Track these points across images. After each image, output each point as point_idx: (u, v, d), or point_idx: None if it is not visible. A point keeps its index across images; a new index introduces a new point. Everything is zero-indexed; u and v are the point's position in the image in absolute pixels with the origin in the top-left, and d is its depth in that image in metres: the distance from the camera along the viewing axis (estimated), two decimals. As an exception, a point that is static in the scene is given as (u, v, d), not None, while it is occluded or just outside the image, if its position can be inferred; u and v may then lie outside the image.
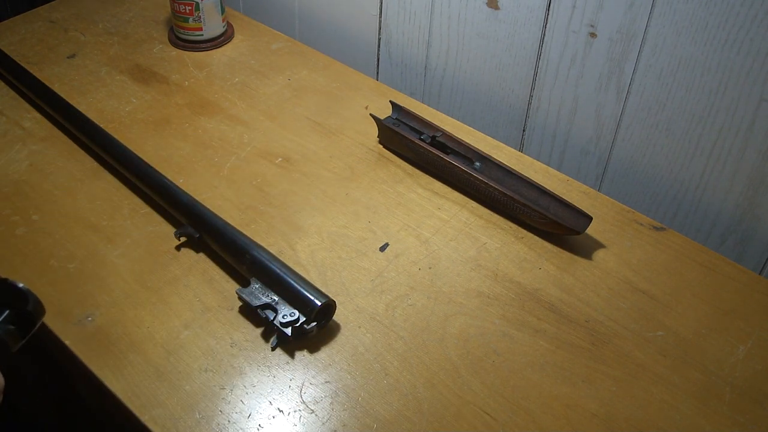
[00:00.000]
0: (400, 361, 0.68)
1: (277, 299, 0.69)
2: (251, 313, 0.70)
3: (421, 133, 0.89)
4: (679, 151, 0.88)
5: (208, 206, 0.79)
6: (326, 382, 0.66)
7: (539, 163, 0.91)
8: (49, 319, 0.69)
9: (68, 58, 1.05)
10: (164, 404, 0.63)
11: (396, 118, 0.91)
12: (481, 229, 0.82)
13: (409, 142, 0.87)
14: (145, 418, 0.62)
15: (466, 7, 0.98)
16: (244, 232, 0.76)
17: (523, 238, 0.81)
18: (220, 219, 0.76)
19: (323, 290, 0.70)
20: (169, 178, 0.82)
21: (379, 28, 1.10)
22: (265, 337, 0.69)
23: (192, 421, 0.62)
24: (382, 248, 0.79)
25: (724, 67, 0.79)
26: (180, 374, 0.66)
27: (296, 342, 0.69)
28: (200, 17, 1.05)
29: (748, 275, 0.78)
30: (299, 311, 0.67)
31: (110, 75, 1.02)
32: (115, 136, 0.88)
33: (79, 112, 0.91)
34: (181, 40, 1.08)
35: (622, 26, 0.84)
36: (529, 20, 0.92)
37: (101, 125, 0.90)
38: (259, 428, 0.62)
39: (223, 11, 1.08)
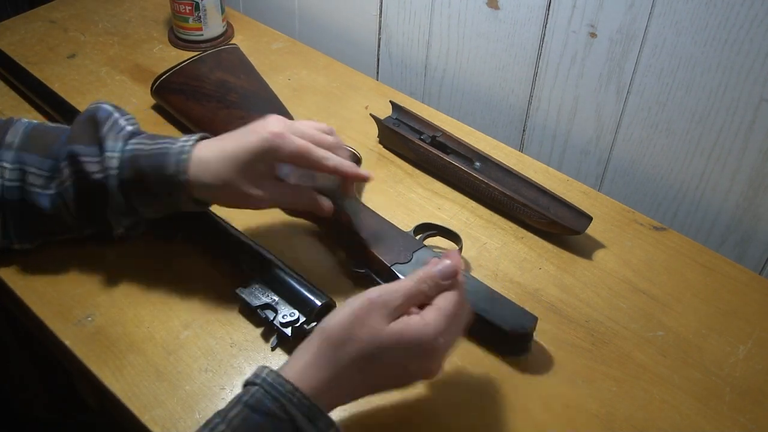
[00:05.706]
0: (400, 361, 0.68)
1: (277, 299, 0.69)
2: (251, 313, 0.70)
3: (421, 133, 0.89)
4: (679, 151, 0.88)
5: (208, 206, 0.79)
6: (326, 382, 0.66)
7: (539, 163, 0.91)
8: (49, 319, 0.69)
9: (68, 58, 1.05)
10: (164, 404, 0.63)
11: (396, 118, 0.91)
12: (481, 229, 0.82)
13: (409, 142, 0.87)
14: (145, 418, 0.62)
15: (466, 7, 0.98)
16: (245, 233, 0.76)
17: (523, 238, 0.81)
18: (220, 219, 0.76)
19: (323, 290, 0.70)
20: (169, 178, 0.82)
21: (379, 28, 1.10)
22: (265, 337, 0.69)
23: (192, 421, 0.62)
24: (382, 248, 0.78)
25: (724, 67, 0.79)
26: (180, 374, 0.66)
27: (296, 342, 0.68)
28: (200, 17, 1.05)
29: (748, 275, 0.78)
30: (299, 311, 0.67)
31: (110, 75, 1.02)
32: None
33: (80, 112, 0.90)
34: (181, 40, 1.08)
35: (622, 26, 0.84)
36: (529, 20, 0.92)
37: (101, 125, 0.90)
38: (259, 428, 0.62)
39: (223, 11, 1.08)
